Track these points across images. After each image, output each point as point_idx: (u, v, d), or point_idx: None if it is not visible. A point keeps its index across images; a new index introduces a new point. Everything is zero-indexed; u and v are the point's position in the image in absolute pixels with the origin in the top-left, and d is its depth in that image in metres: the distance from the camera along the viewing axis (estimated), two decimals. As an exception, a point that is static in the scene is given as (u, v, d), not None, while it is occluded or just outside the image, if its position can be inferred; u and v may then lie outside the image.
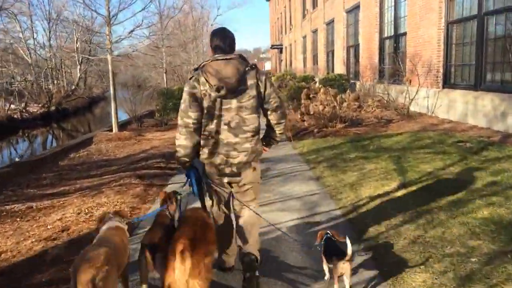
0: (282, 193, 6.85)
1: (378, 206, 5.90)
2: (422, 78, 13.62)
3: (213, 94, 3.31)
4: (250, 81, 3.42)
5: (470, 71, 11.94)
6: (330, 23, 26.68)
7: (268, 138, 3.88)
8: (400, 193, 6.31)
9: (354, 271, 3.91)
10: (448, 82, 13.14)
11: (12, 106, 31.13)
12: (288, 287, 3.83)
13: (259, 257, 3.73)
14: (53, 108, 34.46)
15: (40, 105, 34.17)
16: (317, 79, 25.64)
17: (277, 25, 54.74)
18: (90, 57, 18.84)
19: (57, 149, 11.06)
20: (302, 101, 12.65)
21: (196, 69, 3.46)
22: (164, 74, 23.41)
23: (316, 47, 31.35)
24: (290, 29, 42.75)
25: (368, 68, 19.17)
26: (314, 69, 30.13)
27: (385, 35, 18.36)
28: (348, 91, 16.26)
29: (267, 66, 78.52)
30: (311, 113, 11.93)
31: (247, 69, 3.42)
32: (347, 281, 3.39)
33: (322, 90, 12.75)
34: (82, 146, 11.71)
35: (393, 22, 17.42)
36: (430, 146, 9.25)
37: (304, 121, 12.18)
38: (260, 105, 3.56)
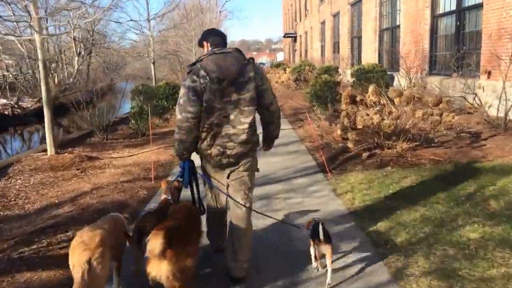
0: None
1: None
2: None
3: (214, 87, 3.18)
4: (249, 74, 3.27)
5: None
6: (357, 3, 21.42)
7: (265, 138, 3.74)
8: None
9: None
10: None
11: (4, 101, 26.99)
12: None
13: (245, 273, 3.59)
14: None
15: (34, 100, 29.88)
16: (341, 71, 20.53)
17: (290, 11, 49.23)
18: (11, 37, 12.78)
19: None
20: (343, 106, 7.63)
21: (193, 64, 3.29)
22: (152, 65, 18.39)
23: (337, 34, 26.10)
24: (306, 15, 37.36)
25: (414, 56, 14.04)
26: (334, 59, 24.92)
27: (440, 11, 13.18)
28: (393, 88, 11.16)
29: (280, 57, 73.22)
30: (359, 126, 6.93)
31: (245, 62, 3.28)
32: (328, 261, 3.46)
33: (371, 89, 7.71)
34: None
35: (454, -7, 12.21)
36: None
37: (347, 139, 7.17)
38: (257, 99, 3.35)
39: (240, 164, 3.45)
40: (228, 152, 3.34)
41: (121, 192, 6.13)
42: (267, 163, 7.58)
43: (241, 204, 3.47)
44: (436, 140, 7.86)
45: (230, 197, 3.52)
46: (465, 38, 11.79)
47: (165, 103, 11.38)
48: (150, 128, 7.95)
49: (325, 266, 3.60)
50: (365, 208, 5.19)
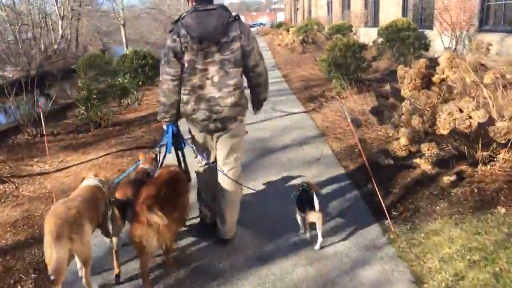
0: None
1: None
2: None
3: (195, 47, 2.91)
4: (233, 33, 2.97)
5: None
6: None
7: (253, 101, 3.41)
8: None
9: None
10: None
11: (-17, 71, 23.71)
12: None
13: (233, 233, 3.43)
14: (33, 72, 26.59)
15: (17, 69, 26.49)
16: (355, 30, 16.85)
17: (292, -34, 44.42)
18: None
19: None
20: (406, 91, 4.19)
21: (176, 21, 3.00)
22: (122, 28, 14.75)
23: (347, -13, 22.08)
24: (309, -32, 32.95)
25: (457, 8, 10.46)
26: (344, 17, 21.09)
27: None
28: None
29: (280, 17, 68.42)
30: (442, 131, 3.61)
31: (230, 20, 2.96)
32: (319, 230, 3.21)
33: (444, 57, 4.29)
34: None
35: None
36: None
37: (417, 152, 3.84)
38: (243, 59, 3.07)
39: (228, 129, 3.18)
40: (215, 116, 3.08)
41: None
42: (278, 186, 4.28)
43: (228, 176, 3.24)
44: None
45: (218, 169, 3.27)
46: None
47: (126, 80, 7.92)
48: (45, 134, 4.46)
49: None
50: None
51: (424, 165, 3.78)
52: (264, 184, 4.52)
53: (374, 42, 11.12)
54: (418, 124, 3.75)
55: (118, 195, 3.06)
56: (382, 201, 3.57)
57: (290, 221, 3.57)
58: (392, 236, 3.37)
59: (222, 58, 2.96)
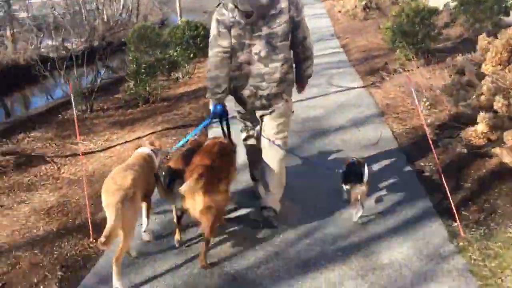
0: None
1: None
2: None
3: (243, 21, 2.84)
4: (282, 5, 2.87)
5: None
6: None
7: (298, 78, 3.23)
8: None
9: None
10: None
11: (49, 43, 24.67)
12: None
13: (278, 209, 3.24)
14: (96, 43, 27.30)
15: (81, 40, 27.29)
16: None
17: None
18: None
19: None
20: (488, 66, 3.48)
21: None
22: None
23: None
24: None
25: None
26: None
27: None
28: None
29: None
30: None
31: None
32: (362, 202, 3.15)
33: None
34: None
35: None
36: None
37: (496, 140, 3.22)
38: (291, 31, 2.96)
39: (273, 108, 3.10)
40: (261, 92, 3.02)
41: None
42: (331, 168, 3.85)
43: (274, 144, 3.15)
44: None
45: (264, 136, 3.18)
46: None
47: (176, 53, 7.62)
48: (76, 120, 4.11)
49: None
50: None
51: (505, 157, 3.17)
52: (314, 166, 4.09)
53: (445, 6, 10.05)
54: (502, 107, 3.13)
55: (171, 164, 3.11)
56: (450, 198, 3.04)
57: (339, 212, 3.17)
58: (461, 243, 2.86)
59: (270, 31, 2.88)
